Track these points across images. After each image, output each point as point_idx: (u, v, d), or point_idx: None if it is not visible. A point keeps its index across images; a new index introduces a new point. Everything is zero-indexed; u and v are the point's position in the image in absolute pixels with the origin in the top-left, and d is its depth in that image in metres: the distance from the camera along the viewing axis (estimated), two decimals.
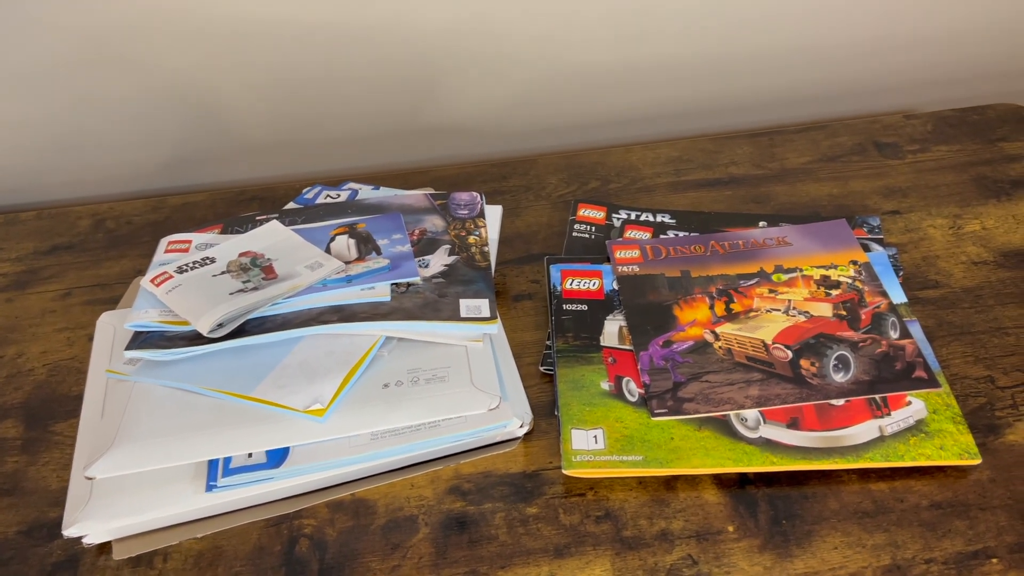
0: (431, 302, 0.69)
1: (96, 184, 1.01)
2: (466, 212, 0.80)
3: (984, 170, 0.89)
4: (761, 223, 0.83)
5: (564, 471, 0.62)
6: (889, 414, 0.64)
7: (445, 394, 0.63)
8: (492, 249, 0.77)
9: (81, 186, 1.00)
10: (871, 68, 1.03)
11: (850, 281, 0.74)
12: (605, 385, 0.68)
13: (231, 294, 0.67)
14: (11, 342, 0.78)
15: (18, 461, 0.68)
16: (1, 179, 0.99)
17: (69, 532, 0.58)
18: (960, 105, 1.04)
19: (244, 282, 0.69)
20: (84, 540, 0.60)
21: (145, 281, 0.69)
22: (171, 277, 0.69)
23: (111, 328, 0.74)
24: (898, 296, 0.73)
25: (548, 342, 0.73)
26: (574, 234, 0.84)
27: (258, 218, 0.79)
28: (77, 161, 0.98)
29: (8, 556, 0.61)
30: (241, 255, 0.72)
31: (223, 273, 0.70)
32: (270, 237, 0.74)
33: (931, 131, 0.96)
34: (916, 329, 0.70)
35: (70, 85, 0.91)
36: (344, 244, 0.74)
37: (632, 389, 0.67)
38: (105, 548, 0.61)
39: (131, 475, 0.60)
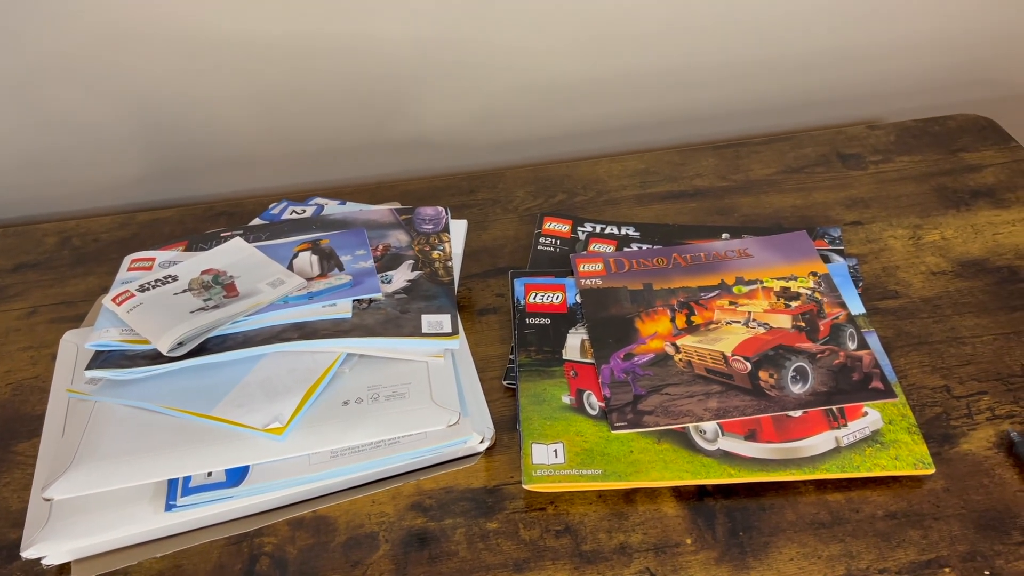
0: (393, 318, 0.69)
1: (63, 200, 1.01)
2: (431, 227, 0.80)
3: (944, 180, 0.90)
4: (724, 235, 0.84)
5: (524, 486, 0.63)
6: (845, 425, 0.65)
7: (405, 411, 0.64)
8: (456, 264, 0.78)
9: (48, 202, 1.00)
10: (835, 79, 1.04)
11: (809, 292, 0.75)
12: (566, 399, 0.68)
13: (192, 312, 0.67)
14: None
15: None
16: None
17: (27, 553, 0.58)
18: (923, 115, 1.06)
19: (205, 300, 0.69)
20: (43, 561, 0.59)
21: (107, 300, 0.70)
22: (133, 296, 0.69)
23: (74, 347, 0.74)
24: (856, 307, 0.74)
25: (511, 356, 0.74)
26: (539, 247, 0.84)
27: (223, 235, 0.79)
28: (43, 177, 0.98)
29: None
30: (203, 272, 0.72)
31: (184, 291, 0.70)
32: (233, 254, 0.75)
33: (894, 141, 0.97)
34: (873, 340, 0.71)
35: (35, 100, 0.91)
36: (307, 260, 0.74)
37: (593, 403, 0.68)
38: (65, 569, 0.61)
39: (90, 495, 0.60)
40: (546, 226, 0.86)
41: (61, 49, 0.87)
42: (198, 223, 0.93)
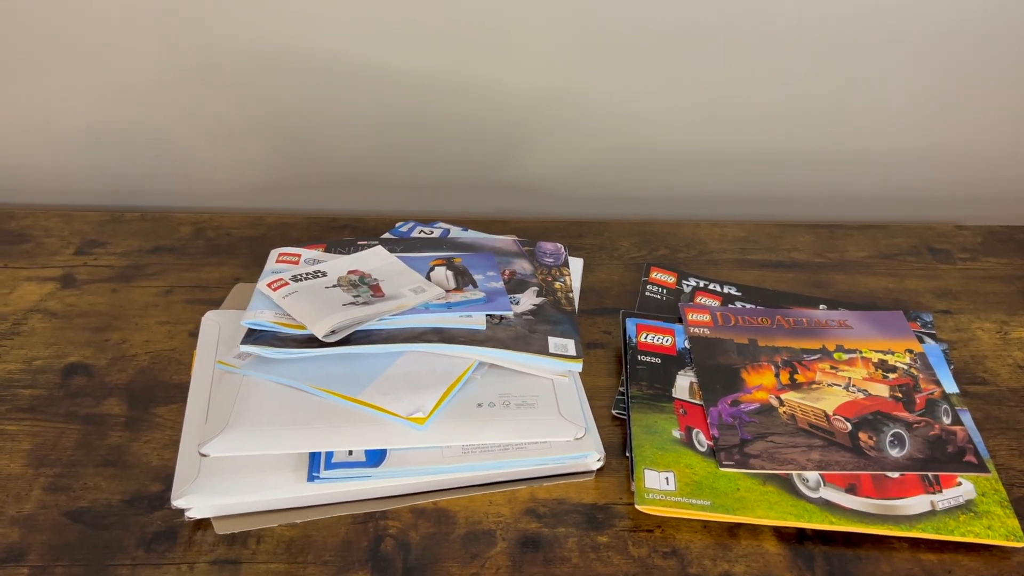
0: (522, 336, 0.74)
1: (193, 196, 1.07)
2: (551, 260, 0.86)
3: None
4: (821, 306, 0.89)
5: (637, 506, 0.67)
6: (941, 491, 0.69)
7: (534, 419, 0.68)
8: (575, 296, 0.83)
9: (182, 196, 1.07)
10: (925, 178, 1.10)
11: (906, 367, 0.79)
12: (676, 433, 0.72)
13: (344, 305, 0.72)
14: (116, 328, 0.83)
15: (122, 436, 0.72)
16: (106, 180, 1.05)
17: (178, 503, 0.62)
18: (1008, 223, 1.11)
19: (355, 296, 0.74)
20: (187, 514, 0.64)
21: (262, 285, 0.75)
22: (287, 284, 0.75)
23: (216, 326, 0.79)
24: (950, 386, 0.78)
25: (621, 388, 0.78)
26: (646, 293, 0.89)
27: (360, 243, 0.85)
28: (182, 172, 1.05)
29: (111, 521, 0.65)
30: (350, 272, 0.78)
31: (335, 286, 0.75)
32: (375, 260, 0.80)
33: (981, 243, 1.02)
34: (967, 418, 0.75)
35: (180, 101, 0.98)
36: (443, 274, 0.80)
37: (701, 440, 0.72)
38: (201, 525, 0.65)
39: (239, 458, 0.65)
40: (653, 275, 0.92)
41: (213, 60, 0.94)
42: (324, 232, 0.99)
